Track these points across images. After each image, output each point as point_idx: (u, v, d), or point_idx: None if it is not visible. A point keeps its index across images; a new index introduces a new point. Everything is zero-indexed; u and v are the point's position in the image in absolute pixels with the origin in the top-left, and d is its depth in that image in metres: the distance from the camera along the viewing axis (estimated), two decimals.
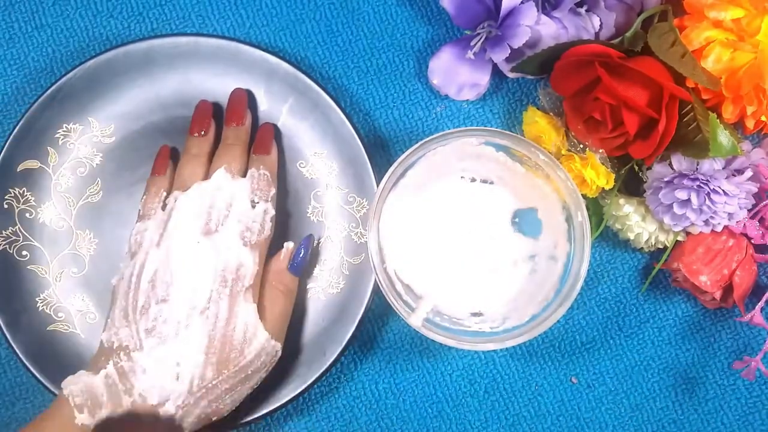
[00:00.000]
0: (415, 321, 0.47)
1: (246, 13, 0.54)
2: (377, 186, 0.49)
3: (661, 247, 0.52)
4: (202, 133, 0.50)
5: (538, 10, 0.49)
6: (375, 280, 0.49)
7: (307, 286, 0.52)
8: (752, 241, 0.50)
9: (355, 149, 0.51)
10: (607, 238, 0.54)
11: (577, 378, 0.54)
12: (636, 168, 0.51)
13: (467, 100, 0.53)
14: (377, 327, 0.54)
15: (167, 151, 0.51)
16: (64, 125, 0.51)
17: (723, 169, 0.48)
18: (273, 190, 0.50)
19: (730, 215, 0.48)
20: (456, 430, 0.53)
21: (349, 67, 0.54)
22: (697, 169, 0.47)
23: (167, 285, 0.45)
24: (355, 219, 0.52)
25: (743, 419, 0.53)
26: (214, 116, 0.51)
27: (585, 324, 0.54)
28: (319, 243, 0.52)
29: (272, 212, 0.49)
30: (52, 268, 0.52)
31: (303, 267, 0.50)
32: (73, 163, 0.52)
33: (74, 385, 0.44)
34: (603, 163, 0.49)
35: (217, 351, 0.45)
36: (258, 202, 0.48)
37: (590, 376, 0.54)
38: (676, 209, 0.48)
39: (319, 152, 0.52)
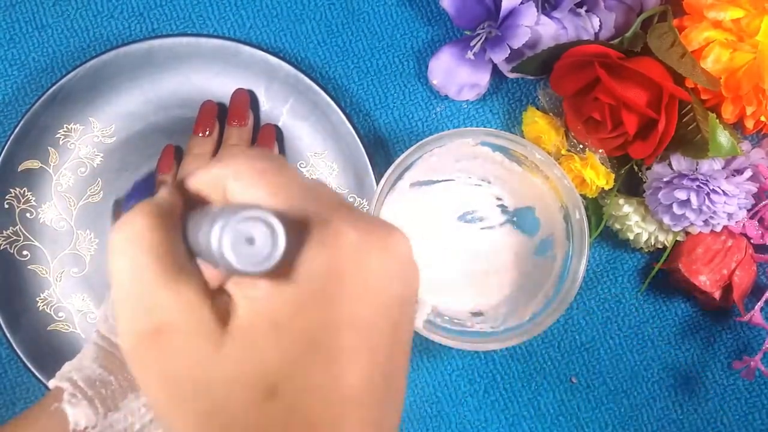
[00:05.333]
0: (417, 323, 0.47)
1: (246, 13, 0.54)
2: (377, 187, 0.49)
3: (660, 247, 0.52)
4: (207, 133, 0.50)
5: (537, 11, 0.49)
6: None
7: None
8: (752, 241, 0.50)
9: (355, 150, 0.51)
10: (607, 238, 0.54)
11: (576, 378, 0.54)
12: (636, 168, 0.51)
13: (467, 100, 0.54)
14: None
15: (172, 150, 0.51)
16: (65, 125, 0.52)
17: (722, 169, 0.48)
18: None
19: (730, 215, 0.48)
20: (456, 430, 0.53)
21: (349, 67, 0.54)
22: (696, 169, 0.47)
23: None
24: None
25: (743, 419, 0.53)
26: (217, 116, 0.51)
27: (585, 324, 0.54)
28: None
29: None
30: (52, 268, 0.52)
31: None
32: (74, 163, 0.52)
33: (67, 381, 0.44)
34: (603, 163, 0.49)
35: None
36: None
37: (590, 376, 0.54)
38: (676, 209, 0.48)
39: (320, 153, 0.52)
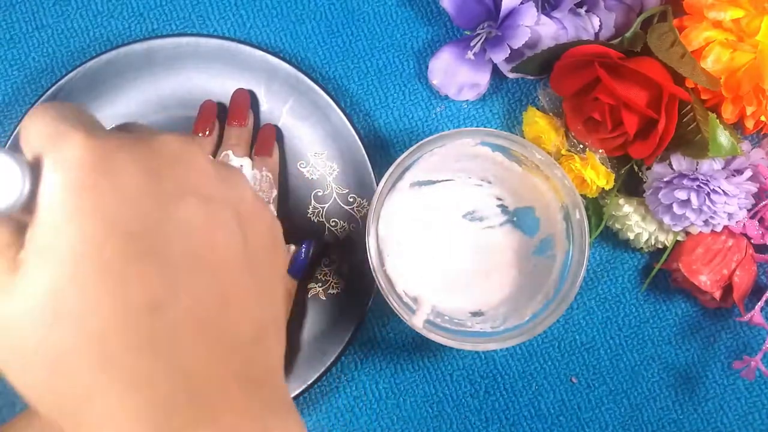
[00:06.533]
0: (417, 322, 0.47)
1: (246, 13, 0.54)
2: (377, 187, 0.49)
3: (660, 247, 0.52)
4: (206, 133, 0.50)
5: (537, 11, 0.49)
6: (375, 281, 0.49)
7: (308, 287, 0.52)
8: (752, 241, 0.50)
9: (355, 150, 0.51)
10: (607, 238, 0.54)
11: (577, 378, 0.54)
12: (636, 168, 0.51)
13: (467, 100, 0.54)
14: (377, 327, 0.54)
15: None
16: None
17: (722, 169, 0.48)
18: (275, 192, 0.50)
19: (730, 215, 0.48)
20: (456, 430, 0.53)
21: (349, 67, 0.54)
22: (696, 169, 0.47)
23: None
24: (356, 219, 0.52)
25: (743, 419, 0.53)
26: (218, 116, 0.51)
27: (585, 324, 0.54)
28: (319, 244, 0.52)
29: (274, 213, 0.49)
30: None
31: (303, 269, 0.50)
32: None
33: None
34: (603, 163, 0.49)
35: None
36: None
37: (590, 376, 0.54)
38: (676, 209, 0.48)
39: (320, 153, 0.52)
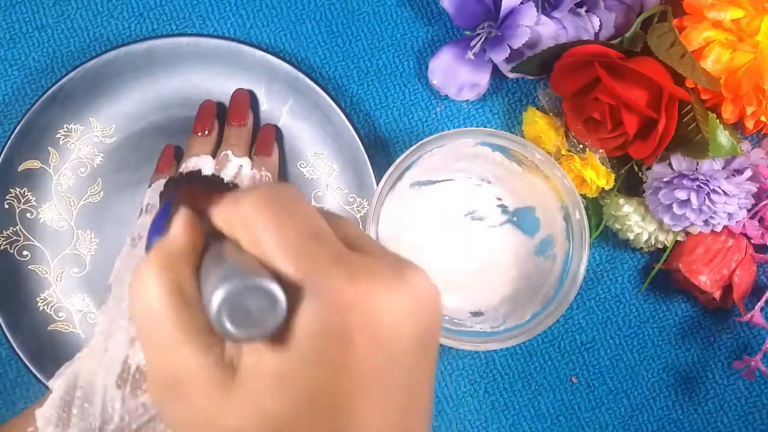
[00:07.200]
0: None
1: (246, 13, 0.54)
2: (377, 187, 0.49)
3: (660, 247, 0.52)
4: (206, 132, 0.50)
5: (537, 11, 0.49)
6: None
7: None
8: (752, 241, 0.50)
9: (355, 150, 0.51)
10: (607, 238, 0.54)
11: (577, 378, 0.54)
12: (636, 168, 0.51)
13: (467, 100, 0.54)
14: None
15: (171, 150, 0.51)
16: (65, 125, 0.52)
17: (723, 169, 0.48)
18: None
19: (730, 215, 0.48)
20: (456, 430, 0.53)
21: (350, 67, 0.54)
22: (696, 169, 0.47)
23: None
24: (356, 219, 0.52)
25: (743, 419, 0.53)
26: (217, 116, 0.51)
27: (585, 324, 0.54)
28: None
29: None
30: (52, 268, 0.52)
31: None
32: (74, 163, 0.52)
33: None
34: (603, 163, 0.49)
35: None
36: None
37: (590, 376, 0.54)
38: (676, 209, 0.48)
39: (320, 153, 0.52)
